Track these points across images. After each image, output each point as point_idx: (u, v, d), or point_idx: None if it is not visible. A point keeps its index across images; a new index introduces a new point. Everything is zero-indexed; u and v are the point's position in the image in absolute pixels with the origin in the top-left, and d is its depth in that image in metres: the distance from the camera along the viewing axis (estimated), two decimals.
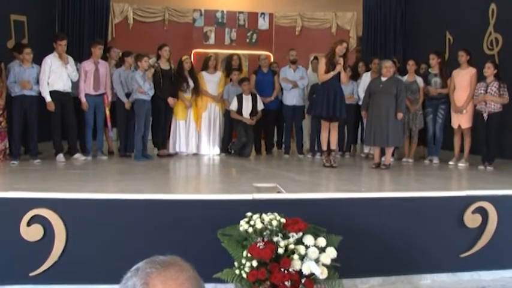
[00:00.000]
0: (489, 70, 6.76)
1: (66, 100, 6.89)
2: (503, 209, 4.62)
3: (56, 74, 6.74)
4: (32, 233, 3.94)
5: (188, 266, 1.15)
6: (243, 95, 7.85)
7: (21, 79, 6.50)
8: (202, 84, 7.86)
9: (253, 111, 7.91)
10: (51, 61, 6.71)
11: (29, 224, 3.93)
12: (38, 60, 6.73)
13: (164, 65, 7.52)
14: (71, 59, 6.90)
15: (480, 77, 6.94)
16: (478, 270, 4.62)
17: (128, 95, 7.28)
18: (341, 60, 6.58)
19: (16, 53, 6.89)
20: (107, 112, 7.24)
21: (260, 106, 7.95)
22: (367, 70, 8.31)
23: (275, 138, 8.72)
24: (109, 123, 7.31)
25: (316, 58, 8.66)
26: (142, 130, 7.13)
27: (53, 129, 6.84)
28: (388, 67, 6.82)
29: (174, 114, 7.71)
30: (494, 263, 4.65)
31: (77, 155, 6.96)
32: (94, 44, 7.28)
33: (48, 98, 6.65)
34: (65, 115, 6.87)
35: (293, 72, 8.13)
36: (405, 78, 7.63)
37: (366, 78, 7.95)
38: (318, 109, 6.80)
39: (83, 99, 7.10)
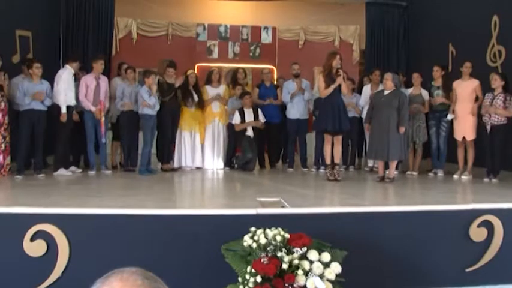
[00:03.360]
0: (496, 82, 6.74)
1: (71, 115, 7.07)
2: (509, 222, 4.57)
3: (72, 92, 6.99)
4: (35, 249, 3.93)
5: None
6: (245, 109, 7.86)
7: (31, 93, 6.57)
8: (206, 98, 7.88)
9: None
10: (70, 77, 6.95)
11: (32, 239, 3.92)
12: (43, 75, 6.83)
13: (169, 79, 7.57)
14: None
15: (486, 89, 6.93)
16: (484, 285, 4.56)
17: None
18: (341, 72, 6.60)
19: (25, 67, 6.98)
20: (102, 119, 7.22)
21: (262, 119, 7.96)
22: (370, 82, 8.31)
23: (281, 153, 8.72)
24: (103, 129, 7.26)
25: None
26: (149, 145, 7.16)
27: (62, 142, 6.93)
28: (386, 79, 6.83)
29: (179, 126, 7.73)
30: (501, 277, 4.59)
31: (73, 168, 7.06)
32: (95, 60, 7.36)
33: (64, 109, 6.81)
34: (73, 130, 7.08)
35: (296, 86, 8.13)
36: (410, 90, 7.63)
37: (367, 90, 7.96)
38: (322, 124, 6.77)
39: (90, 106, 7.14)
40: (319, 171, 7.90)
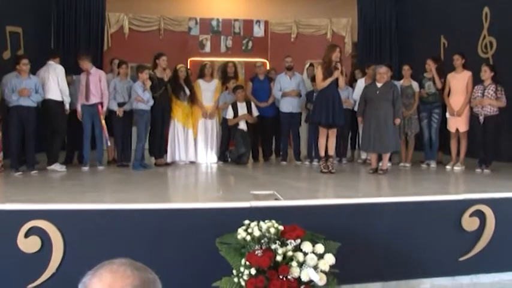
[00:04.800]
0: (486, 73, 6.79)
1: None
2: (500, 211, 4.63)
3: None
4: (29, 245, 3.92)
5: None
6: (238, 103, 7.86)
7: (18, 89, 6.53)
8: (198, 93, 7.86)
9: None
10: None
11: (26, 235, 3.91)
12: (33, 71, 6.80)
13: (160, 74, 7.54)
14: None
15: (477, 80, 6.97)
16: (477, 274, 4.62)
17: (123, 104, 7.29)
18: (339, 66, 6.60)
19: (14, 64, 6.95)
20: (102, 122, 7.23)
21: (255, 113, 7.97)
22: (364, 76, 8.30)
23: (273, 146, 8.74)
24: (105, 133, 7.28)
25: (311, 65, 8.67)
26: (143, 140, 7.16)
27: (57, 139, 6.95)
28: (381, 73, 6.83)
29: (173, 118, 7.71)
30: (493, 265, 4.65)
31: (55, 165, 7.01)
32: (79, 57, 7.40)
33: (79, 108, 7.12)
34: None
35: (289, 79, 8.13)
36: (401, 82, 7.66)
37: (361, 83, 7.97)
38: (316, 116, 6.79)
39: (78, 109, 7.19)
40: (312, 163, 7.92)
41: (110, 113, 7.43)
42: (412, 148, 7.70)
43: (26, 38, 8.09)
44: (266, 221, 3.78)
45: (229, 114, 7.85)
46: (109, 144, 7.46)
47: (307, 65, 9.07)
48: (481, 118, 6.78)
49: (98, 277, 1.09)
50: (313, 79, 8.13)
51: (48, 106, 6.90)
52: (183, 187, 6.46)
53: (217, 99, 7.98)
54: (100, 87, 7.22)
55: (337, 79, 6.65)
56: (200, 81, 7.98)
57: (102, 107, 7.22)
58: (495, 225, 4.59)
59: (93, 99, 7.18)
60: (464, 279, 4.59)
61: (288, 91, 8.03)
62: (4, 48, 7.59)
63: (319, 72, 6.75)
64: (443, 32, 9.02)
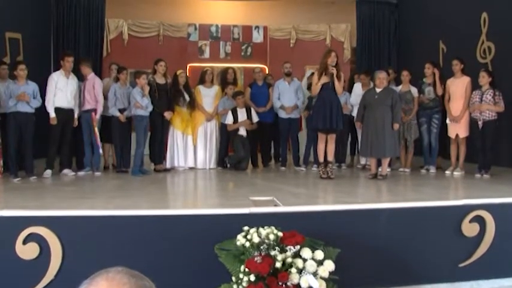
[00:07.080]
0: (484, 79, 6.80)
1: (69, 117, 7.02)
2: (500, 217, 4.61)
3: (62, 91, 6.88)
4: (27, 252, 3.90)
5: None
6: (238, 109, 7.86)
7: (16, 94, 6.51)
8: (199, 99, 7.87)
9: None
10: (58, 78, 6.86)
11: (24, 242, 3.90)
12: (33, 77, 6.78)
13: (160, 80, 7.54)
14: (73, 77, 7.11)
15: (476, 86, 6.98)
16: (477, 280, 4.59)
17: (123, 110, 7.28)
18: (334, 70, 6.59)
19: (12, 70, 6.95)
20: (95, 129, 7.20)
21: (255, 118, 7.97)
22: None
23: (272, 151, 8.73)
24: (97, 140, 7.24)
25: (313, 74, 8.67)
26: (142, 146, 7.15)
27: (50, 145, 6.90)
28: (381, 78, 6.85)
29: (172, 125, 7.71)
30: (494, 271, 4.63)
31: (66, 171, 7.02)
32: (79, 62, 7.38)
33: (52, 114, 6.77)
34: (64, 132, 6.98)
35: (288, 85, 8.13)
36: (399, 88, 7.67)
37: (357, 89, 7.98)
38: (314, 121, 6.80)
39: (75, 116, 7.18)
40: (308, 167, 7.93)
41: (110, 119, 7.42)
42: (411, 153, 7.70)
43: (25, 44, 8.09)
44: (265, 227, 3.77)
45: (229, 119, 7.85)
46: (101, 152, 7.36)
47: (308, 74, 9.05)
48: (480, 123, 6.79)
49: (94, 285, 1.08)
50: (309, 87, 8.19)
51: (45, 112, 6.90)
52: (182, 193, 6.44)
53: (217, 105, 7.98)
54: (94, 94, 7.22)
55: (333, 84, 6.64)
56: (200, 87, 7.99)
57: (95, 113, 7.21)
58: (495, 231, 4.57)
59: (87, 106, 7.19)
60: (464, 285, 4.56)
61: (287, 106, 8.02)
62: (3, 54, 7.58)
63: (315, 78, 6.77)
64: (442, 37, 9.03)
